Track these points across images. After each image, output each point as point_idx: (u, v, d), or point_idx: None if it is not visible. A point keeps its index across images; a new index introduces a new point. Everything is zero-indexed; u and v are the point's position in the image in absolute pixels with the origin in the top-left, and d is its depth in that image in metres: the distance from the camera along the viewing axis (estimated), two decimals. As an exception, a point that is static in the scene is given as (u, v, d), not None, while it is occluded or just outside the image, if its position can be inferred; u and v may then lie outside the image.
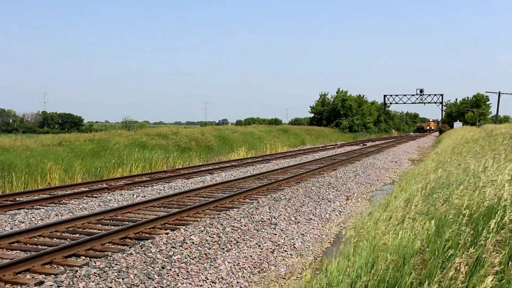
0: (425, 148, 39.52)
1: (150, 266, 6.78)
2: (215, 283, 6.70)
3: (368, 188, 16.93)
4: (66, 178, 15.97)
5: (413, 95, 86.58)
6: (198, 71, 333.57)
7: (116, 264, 6.62)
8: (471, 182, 7.41)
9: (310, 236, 9.81)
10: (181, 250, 7.56)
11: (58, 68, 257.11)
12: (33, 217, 9.58)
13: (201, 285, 6.54)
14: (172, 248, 7.57)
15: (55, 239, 8.05)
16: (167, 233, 8.33)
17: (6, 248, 7.38)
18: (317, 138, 46.81)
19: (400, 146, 39.68)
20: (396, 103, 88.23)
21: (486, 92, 68.44)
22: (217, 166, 20.24)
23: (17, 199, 11.69)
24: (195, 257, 7.43)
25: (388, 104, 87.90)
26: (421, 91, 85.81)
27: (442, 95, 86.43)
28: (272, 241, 8.97)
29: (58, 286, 5.78)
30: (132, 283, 6.15)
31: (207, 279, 6.76)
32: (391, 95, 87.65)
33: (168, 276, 6.59)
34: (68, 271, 6.29)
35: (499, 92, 58.18)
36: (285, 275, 7.33)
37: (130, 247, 7.42)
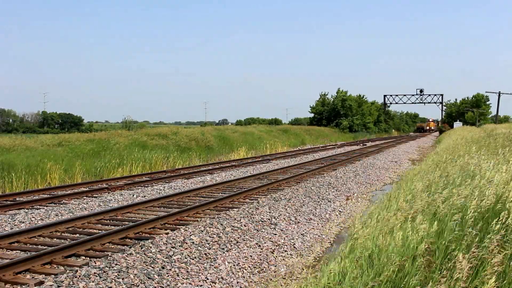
0: (425, 148, 39.52)
1: (150, 266, 6.78)
2: (215, 283, 6.70)
3: (368, 188, 16.93)
4: (66, 178, 15.97)
5: (413, 95, 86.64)
6: (198, 71, 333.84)
7: (116, 264, 6.62)
8: (469, 183, 7.41)
9: (310, 236, 9.81)
10: (181, 250, 7.56)
11: (58, 68, 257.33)
12: (33, 217, 9.58)
13: (201, 285, 6.54)
14: (172, 248, 7.57)
15: (55, 239, 8.05)
16: (167, 233, 8.33)
17: (6, 248, 7.38)
18: (317, 138, 46.81)
19: (400, 146, 39.69)
20: (396, 103, 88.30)
21: (486, 92, 68.54)
22: (217, 166, 20.24)
23: (17, 199, 11.69)
24: (195, 257, 7.43)
25: (388, 104, 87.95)
26: (421, 91, 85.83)
27: (442, 95, 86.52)
28: (272, 241, 8.97)
29: (58, 286, 5.78)
30: (132, 283, 6.15)
31: (207, 279, 6.76)
32: (391, 95, 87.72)
33: (168, 276, 6.59)
34: (68, 271, 6.29)
35: (499, 92, 58.22)
36: (285, 275, 7.33)
37: (130, 247, 7.42)
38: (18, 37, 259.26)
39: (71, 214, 10.10)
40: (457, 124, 71.71)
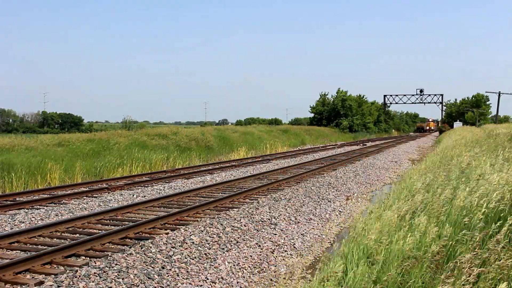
0: (425, 148, 39.52)
1: (150, 266, 6.78)
2: (215, 283, 6.70)
3: (368, 188, 16.93)
4: (66, 178, 15.97)
5: (413, 95, 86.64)
6: (198, 71, 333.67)
7: (116, 264, 6.62)
8: (474, 185, 7.41)
9: (310, 236, 9.81)
10: (181, 250, 7.56)
11: (58, 68, 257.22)
12: (33, 217, 9.58)
13: (201, 285, 6.54)
14: (172, 248, 7.57)
15: (55, 239, 8.05)
16: (167, 233, 8.33)
17: (6, 248, 7.38)
18: (317, 138, 46.81)
19: (400, 146, 39.70)
20: (396, 103, 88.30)
21: (486, 92, 68.56)
22: (217, 166, 20.24)
23: (17, 199, 11.69)
24: (195, 257, 7.43)
25: (388, 104, 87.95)
26: (421, 91, 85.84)
27: (442, 95, 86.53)
28: (272, 241, 8.97)
29: (58, 286, 5.78)
30: (132, 283, 6.15)
31: (207, 279, 6.76)
32: (391, 95, 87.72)
33: (168, 276, 6.59)
34: (68, 271, 6.29)
35: (499, 92, 58.24)
36: (285, 275, 7.33)
37: (130, 247, 7.42)
38: (18, 37, 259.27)
39: (71, 214, 10.10)
40: (457, 124, 71.72)
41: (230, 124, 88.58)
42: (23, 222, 9.20)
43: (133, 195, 12.52)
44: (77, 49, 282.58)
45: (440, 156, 17.18)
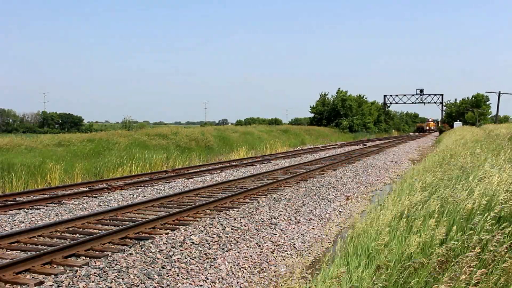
0: (425, 148, 39.53)
1: (150, 266, 6.78)
2: (215, 283, 6.70)
3: (368, 188, 16.93)
4: (66, 178, 15.97)
5: (413, 95, 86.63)
6: (198, 71, 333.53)
7: (116, 264, 6.62)
8: (473, 187, 7.41)
9: (310, 236, 9.81)
10: (181, 250, 7.56)
11: (58, 68, 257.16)
12: (33, 217, 9.58)
13: (201, 285, 6.54)
14: (172, 248, 7.57)
15: (55, 239, 8.05)
16: (167, 233, 8.33)
17: (6, 248, 7.38)
18: (317, 138, 46.81)
19: (400, 146, 39.70)
20: (396, 103, 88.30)
21: (486, 92, 68.59)
22: (217, 166, 20.24)
23: (17, 199, 11.69)
24: (195, 257, 7.43)
25: (388, 104, 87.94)
26: (421, 91, 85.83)
27: (442, 95, 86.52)
28: (272, 241, 8.97)
29: (58, 286, 5.78)
30: (132, 283, 6.15)
31: (207, 279, 6.76)
32: (391, 95, 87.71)
33: (168, 276, 6.59)
34: (68, 271, 6.29)
35: (499, 92, 58.26)
36: (285, 275, 7.33)
37: (130, 247, 7.42)
38: (18, 37, 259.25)
39: (71, 214, 10.10)
40: (457, 124, 71.72)
41: (230, 124, 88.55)
42: (23, 222, 9.20)
43: (133, 195, 12.52)
44: (77, 49, 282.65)
45: (441, 156, 17.18)
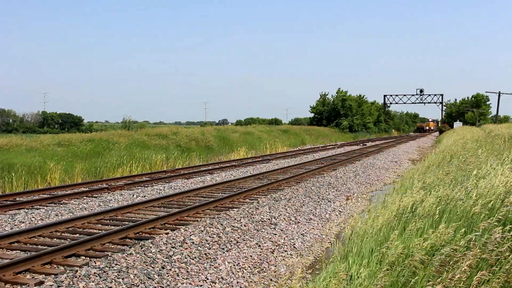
0: (425, 148, 39.54)
1: (150, 266, 6.78)
2: (215, 283, 6.70)
3: (368, 188, 16.93)
4: (66, 178, 15.97)
5: (413, 95, 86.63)
6: (198, 71, 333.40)
7: (116, 264, 6.62)
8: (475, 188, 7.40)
9: (310, 236, 9.81)
10: (181, 250, 7.56)
11: (58, 68, 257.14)
12: (33, 217, 9.58)
13: (201, 285, 6.54)
14: (172, 248, 7.57)
15: (55, 239, 8.05)
16: (167, 233, 8.33)
17: (6, 248, 7.38)
18: (317, 138, 46.81)
19: (400, 146, 39.70)
20: (396, 103, 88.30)
21: (486, 92, 68.57)
22: (217, 166, 20.24)
23: (17, 199, 11.69)
24: (195, 257, 7.43)
25: (388, 104, 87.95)
26: (421, 91, 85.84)
27: (442, 95, 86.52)
28: (272, 241, 8.97)
29: (58, 286, 5.78)
30: (132, 283, 6.15)
31: (207, 279, 6.76)
32: (391, 95, 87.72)
33: (168, 276, 6.59)
34: (68, 271, 6.29)
35: (499, 92, 58.26)
36: (285, 275, 7.33)
37: (130, 247, 7.42)
38: (18, 37, 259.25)
39: (71, 214, 10.10)
40: (457, 124, 71.74)
41: (230, 124, 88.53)
42: (23, 222, 9.20)
43: (133, 195, 12.52)
44: (77, 49, 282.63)
45: (441, 156, 17.18)
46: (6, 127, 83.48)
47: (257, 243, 8.67)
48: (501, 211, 5.56)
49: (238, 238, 8.74)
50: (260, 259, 7.95)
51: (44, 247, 7.40)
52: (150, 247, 7.46)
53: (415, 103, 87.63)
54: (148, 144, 23.53)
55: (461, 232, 5.23)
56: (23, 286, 5.82)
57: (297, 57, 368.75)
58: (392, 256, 4.95)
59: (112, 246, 7.58)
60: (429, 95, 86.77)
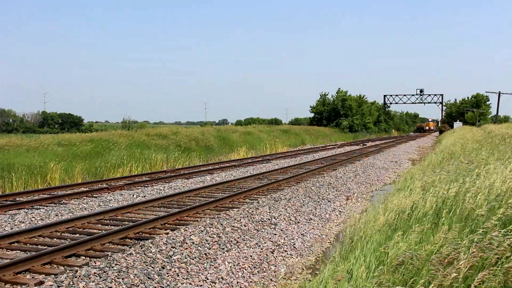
0: (425, 148, 39.54)
1: (150, 266, 6.78)
2: (215, 283, 6.70)
3: (368, 188, 16.93)
4: (66, 178, 15.97)
5: (413, 95, 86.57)
6: (198, 71, 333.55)
7: (116, 264, 6.62)
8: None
9: (310, 236, 9.81)
10: (181, 250, 7.56)
11: (58, 68, 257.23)
12: (33, 217, 9.58)
13: (201, 285, 6.54)
14: (172, 248, 7.57)
15: (55, 239, 8.05)
16: (167, 233, 8.33)
17: (6, 248, 7.38)
18: (317, 138, 46.80)
19: (400, 146, 39.69)
20: (396, 103, 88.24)
21: (486, 92, 68.58)
22: (217, 166, 20.23)
23: (17, 199, 11.69)
24: (195, 257, 7.43)
25: (388, 104, 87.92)
26: (421, 91, 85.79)
27: (442, 95, 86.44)
28: (272, 241, 8.97)
29: (58, 286, 5.78)
30: (132, 283, 6.15)
31: (207, 279, 6.76)
32: (391, 95, 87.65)
33: (168, 276, 6.59)
34: (68, 271, 6.29)
35: (499, 92, 58.29)
36: (285, 275, 7.33)
37: (130, 247, 7.42)
38: (18, 37, 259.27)
39: (71, 214, 10.10)
40: (457, 124, 71.72)
41: (230, 124, 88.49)
42: (23, 222, 9.20)
43: (133, 195, 12.52)
44: (77, 49, 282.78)
45: (440, 156, 17.19)
46: (6, 127, 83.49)
47: (257, 243, 8.67)
48: (501, 211, 5.57)
49: (238, 238, 8.74)
50: (260, 259, 7.95)
51: (44, 247, 7.39)
52: (150, 247, 7.46)
53: (415, 103, 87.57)
54: (148, 144, 23.52)
55: (464, 232, 5.23)
56: (23, 286, 5.82)
57: (297, 57, 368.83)
58: (395, 257, 4.95)
59: (112, 246, 7.58)
60: (429, 95, 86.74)
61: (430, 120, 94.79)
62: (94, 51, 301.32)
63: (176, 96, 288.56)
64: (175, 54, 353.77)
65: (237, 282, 6.87)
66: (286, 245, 8.93)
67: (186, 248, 7.67)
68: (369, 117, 68.12)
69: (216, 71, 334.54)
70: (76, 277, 6.04)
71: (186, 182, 15.20)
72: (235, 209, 10.55)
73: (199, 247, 7.85)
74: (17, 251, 7.30)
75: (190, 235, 8.29)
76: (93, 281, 6.01)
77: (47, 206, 10.91)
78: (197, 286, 6.50)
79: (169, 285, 6.34)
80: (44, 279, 6.00)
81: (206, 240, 8.23)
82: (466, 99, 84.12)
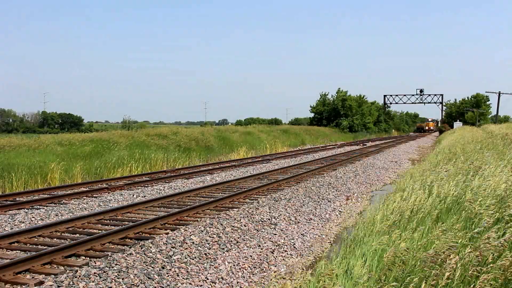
0: (425, 148, 39.54)
1: (150, 266, 6.78)
2: (215, 283, 6.70)
3: (368, 188, 16.93)
4: (66, 178, 15.97)
5: (413, 95, 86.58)
6: (198, 71, 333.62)
7: (116, 264, 6.62)
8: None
9: (310, 236, 9.81)
10: (181, 250, 7.56)
11: (58, 68, 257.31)
12: (33, 217, 9.58)
13: (201, 285, 6.54)
14: (172, 248, 7.57)
15: (55, 239, 8.05)
16: (167, 233, 8.33)
17: (6, 248, 7.38)
18: (317, 138, 46.80)
19: (400, 146, 39.69)
20: (396, 103, 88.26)
21: (486, 92, 68.60)
22: (217, 166, 20.23)
23: (17, 199, 11.69)
24: (195, 257, 7.43)
25: (388, 104, 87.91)
26: (421, 91, 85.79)
27: (442, 95, 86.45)
28: (272, 241, 8.97)
29: (58, 286, 5.78)
30: (132, 283, 6.15)
31: (207, 279, 6.76)
32: (391, 95, 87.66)
33: (168, 276, 6.59)
34: (68, 271, 6.29)
35: (499, 92, 58.30)
36: (285, 275, 7.33)
37: (130, 247, 7.42)
38: (18, 37, 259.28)
39: (71, 214, 10.10)
40: (457, 124, 71.74)
41: (230, 124, 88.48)
42: (23, 222, 9.20)
43: (133, 195, 12.52)
44: (77, 49, 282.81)
45: (440, 156, 17.18)
46: (6, 127, 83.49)
47: (257, 243, 8.67)
48: (500, 210, 5.58)
49: (238, 238, 8.73)
50: (260, 259, 7.95)
51: (44, 247, 7.39)
52: (150, 247, 7.46)
53: (415, 103, 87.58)
54: (148, 144, 23.51)
55: (462, 231, 5.23)
56: (23, 286, 5.82)
57: (297, 57, 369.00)
58: (393, 255, 4.95)
59: (112, 246, 7.58)
60: (429, 95, 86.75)
61: (430, 120, 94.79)
62: (94, 51, 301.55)
63: (176, 96, 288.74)
64: (175, 54, 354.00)
65: (237, 282, 6.87)
66: (286, 245, 8.93)
67: (186, 248, 7.67)
68: (369, 117, 68.11)
69: (216, 71, 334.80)
70: (76, 277, 6.04)
71: (186, 182, 15.20)
72: (235, 209, 10.55)
73: (199, 247, 7.85)
74: (17, 251, 7.30)
75: (190, 235, 8.29)
76: (93, 281, 6.01)
77: (47, 206, 10.91)
78: (197, 286, 6.50)
79: (169, 285, 6.34)
80: (44, 279, 6.00)
81: (206, 240, 8.23)
82: (466, 99, 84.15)
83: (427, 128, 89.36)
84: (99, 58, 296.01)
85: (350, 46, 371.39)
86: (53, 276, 6.09)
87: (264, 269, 7.57)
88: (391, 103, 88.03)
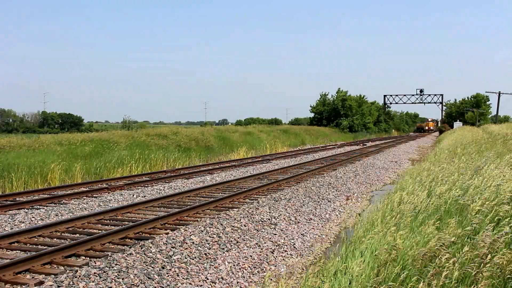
0: (425, 148, 39.54)
1: (150, 266, 6.78)
2: (215, 283, 6.70)
3: (368, 188, 16.93)
4: (66, 178, 15.96)
5: (413, 95, 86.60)
6: (198, 71, 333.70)
7: (116, 264, 6.62)
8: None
9: (310, 236, 9.81)
10: (181, 250, 7.56)
11: (58, 68, 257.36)
12: (33, 217, 9.58)
13: (201, 285, 6.54)
14: (172, 248, 7.57)
15: (55, 239, 8.04)
16: (167, 233, 8.33)
17: (6, 248, 7.38)
18: (317, 138, 46.80)
19: (400, 146, 39.69)
20: (396, 103, 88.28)
21: (486, 92, 68.62)
22: (217, 166, 20.23)
23: (17, 199, 11.69)
24: (195, 257, 7.43)
25: (388, 104, 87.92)
26: (421, 91, 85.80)
27: (442, 95, 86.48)
28: (272, 241, 8.97)
29: (58, 286, 5.78)
30: (132, 283, 6.15)
31: (207, 279, 6.76)
32: (391, 95, 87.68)
33: (168, 276, 6.59)
34: (68, 271, 6.29)
35: (499, 92, 58.32)
36: (285, 275, 7.33)
37: (130, 247, 7.42)
38: (18, 37, 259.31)
39: (71, 214, 10.10)
40: (457, 124, 71.75)
41: (230, 124, 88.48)
42: (23, 222, 9.20)
43: (133, 195, 12.52)
44: (77, 49, 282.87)
45: (440, 156, 17.19)
46: (6, 127, 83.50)
47: (257, 243, 8.67)
48: (498, 209, 5.58)
49: (238, 238, 8.73)
50: (260, 259, 7.95)
51: (44, 247, 7.39)
52: (150, 247, 7.46)
53: (415, 103, 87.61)
54: (148, 144, 23.51)
55: (459, 230, 5.24)
56: (23, 286, 5.82)
57: (297, 57, 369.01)
58: (387, 253, 4.96)
59: (112, 246, 7.58)
60: (429, 95, 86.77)
61: (430, 120, 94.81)
62: (94, 51, 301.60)
63: (176, 96, 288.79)
64: (175, 54, 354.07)
65: (237, 282, 6.87)
66: (286, 245, 8.93)
67: (186, 248, 7.67)
68: (369, 117, 68.12)
69: (216, 71, 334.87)
70: (76, 277, 6.04)
71: (186, 182, 15.20)
72: (235, 209, 10.55)
73: (199, 247, 7.85)
74: (17, 251, 7.30)
75: (190, 235, 8.29)
76: (93, 281, 6.01)
77: (47, 206, 10.91)
78: (197, 286, 6.50)
79: (169, 285, 6.34)
80: (44, 279, 6.00)
81: (206, 240, 8.23)
82: (466, 99, 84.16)
83: (427, 128, 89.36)
84: (99, 58, 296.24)
85: (350, 46, 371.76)
86: (53, 276, 6.09)
87: (264, 269, 7.57)
88: (391, 103, 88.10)
